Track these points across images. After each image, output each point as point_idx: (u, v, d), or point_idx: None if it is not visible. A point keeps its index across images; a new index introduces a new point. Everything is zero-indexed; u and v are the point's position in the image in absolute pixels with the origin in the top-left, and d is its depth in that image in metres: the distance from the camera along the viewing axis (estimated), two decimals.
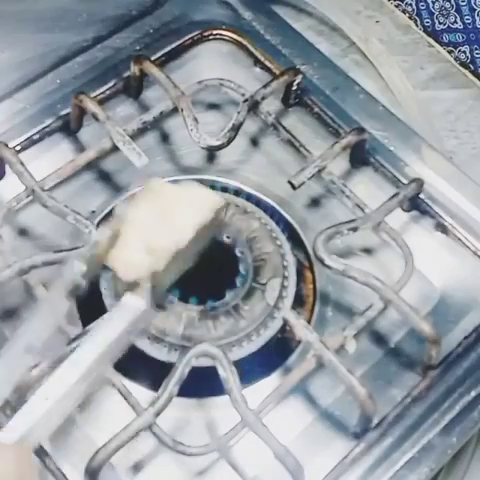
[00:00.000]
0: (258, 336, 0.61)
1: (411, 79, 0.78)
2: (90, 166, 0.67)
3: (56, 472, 0.54)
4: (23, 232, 0.66)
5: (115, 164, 0.68)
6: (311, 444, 0.58)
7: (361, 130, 0.68)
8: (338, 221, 0.63)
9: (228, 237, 0.64)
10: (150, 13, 0.74)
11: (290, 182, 0.65)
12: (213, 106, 0.73)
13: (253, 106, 0.68)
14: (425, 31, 0.82)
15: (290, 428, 0.58)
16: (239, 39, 0.74)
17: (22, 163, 0.63)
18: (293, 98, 0.71)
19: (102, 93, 0.70)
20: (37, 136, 0.68)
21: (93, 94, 0.68)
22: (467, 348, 0.61)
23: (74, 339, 0.56)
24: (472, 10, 0.77)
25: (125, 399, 0.56)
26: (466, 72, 0.80)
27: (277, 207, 0.68)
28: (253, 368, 0.61)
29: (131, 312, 0.53)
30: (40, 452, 0.54)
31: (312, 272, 0.66)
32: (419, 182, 0.66)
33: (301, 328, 0.58)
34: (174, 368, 0.55)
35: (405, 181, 0.67)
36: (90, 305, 0.61)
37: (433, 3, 0.80)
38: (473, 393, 0.59)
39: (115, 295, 0.61)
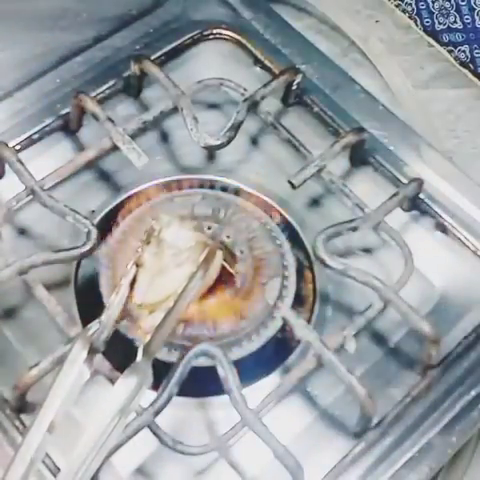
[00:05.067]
0: (258, 336, 0.61)
1: (411, 79, 0.78)
2: (90, 166, 0.67)
3: (55, 471, 0.54)
4: (23, 232, 0.66)
5: (115, 164, 0.68)
6: (311, 444, 0.58)
7: (361, 130, 0.68)
8: (338, 221, 0.63)
9: (228, 237, 0.64)
10: (150, 13, 0.74)
11: (290, 182, 0.65)
12: (213, 106, 0.73)
13: (253, 106, 0.68)
14: (425, 31, 0.81)
15: (290, 428, 0.58)
16: (239, 38, 0.74)
17: (22, 162, 0.63)
18: (293, 98, 0.71)
19: (102, 93, 0.70)
20: (37, 135, 0.68)
21: (93, 94, 0.68)
22: (467, 348, 0.61)
23: (73, 339, 0.56)
24: (472, 10, 0.77)
25: None
26: (466, 72, 0.80)
27: (277, 207, 0.68)
28: (253, 368, 0.61)
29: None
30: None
31: (312, 272, 0.66)
32: (419, 182, 0.66)
33: (301, 328, 0.58)
34: (174, 368, 0.55)
35: (405, 181, 0.67)
36: (90, 305, 0.61)
37: (433, 3, 0.80)
38: (473, 392, 0.59)
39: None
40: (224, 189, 0.69)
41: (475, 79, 0.79)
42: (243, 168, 0.71)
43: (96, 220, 0.65)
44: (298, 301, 0.63)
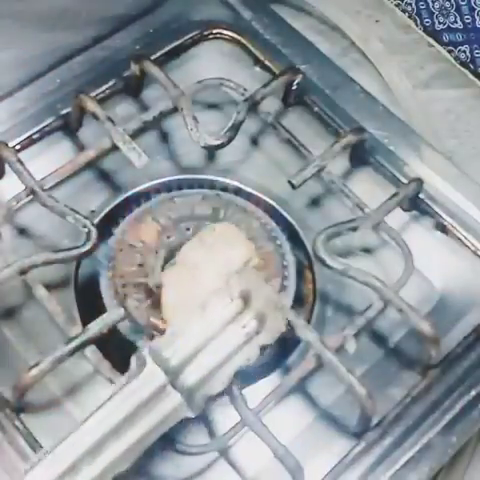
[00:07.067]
0: None
1: (411, 79, 0.78)
2: (90, 166, 0.66)
3: None
4: (23, 232, 0.66)
5: (115, 163, 0.68)
6: (311, 444, 0.58)
7: (361, 130, 0.68)
8: (338, 221, 0.63)
9: None
10: (150, 13, 0.74)
11: (290, 182, 0.65)
12: (213, 106, 0.73)
13: (253, 105, 0.68)
14: (425, 31, 0.82)
15: (290, 428, 0.58)
16: (239, 39, 0.74)
17: (22, 162, 0.63)
18: (293, 98, 0.71)
19: (102, 92, 0.70)
20: (37, 135, 0.68)
21: (93, 93, 0.68)
22: (467, 348, 0.61)
23: (73, 338, 0.56)
24: (472, 10, 0.77)
25: None
26: (466, 72, 0.80)
27: (277, 207, 0.68)
28: (253, 368, 0.61)
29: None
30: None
31: (312, 272, 0.66)
32: (419, 182, 0.66)
33: (301, 328, 0.58)
34: None
35: (405, 181, 0.67)
36: (90, 305, 0.61)
37: (433, 2, 0.80)
38: (473, 392, 0.59)
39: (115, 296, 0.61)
40: (224, 189, 0.69)
41: (475, 79, 0.79)
42: (243, 168, 0.71)
43: (96, 220, 0.65)
44: (298, 301, 0.63)
